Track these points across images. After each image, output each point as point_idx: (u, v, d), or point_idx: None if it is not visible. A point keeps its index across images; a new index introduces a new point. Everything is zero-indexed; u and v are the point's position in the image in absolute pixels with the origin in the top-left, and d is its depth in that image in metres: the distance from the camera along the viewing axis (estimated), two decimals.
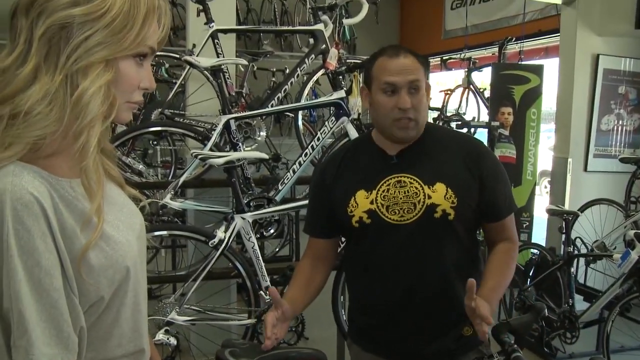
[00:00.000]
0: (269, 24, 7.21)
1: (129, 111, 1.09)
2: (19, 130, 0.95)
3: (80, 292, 1.00)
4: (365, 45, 7.88)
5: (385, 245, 1.78)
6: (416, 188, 1.75)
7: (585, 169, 5.09)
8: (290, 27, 5.35)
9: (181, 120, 3.47)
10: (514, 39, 6.03)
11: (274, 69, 6.94)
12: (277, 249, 4.96)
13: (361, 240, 1.83)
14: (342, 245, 2.86)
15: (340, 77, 3.33)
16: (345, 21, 3.60)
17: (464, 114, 6.45)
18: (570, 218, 4.13)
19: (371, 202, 1.76)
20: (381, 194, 1.76)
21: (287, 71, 6.76)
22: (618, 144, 5.24)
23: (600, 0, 4.82)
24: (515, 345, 1.62)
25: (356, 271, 1.92)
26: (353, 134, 3.21)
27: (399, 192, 1.75)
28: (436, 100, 7.00)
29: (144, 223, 1.21)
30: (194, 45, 3.51)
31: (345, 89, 3.34)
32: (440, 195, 1.74)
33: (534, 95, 5.43)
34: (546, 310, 1.77)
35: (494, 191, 1.82)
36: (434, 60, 7.42)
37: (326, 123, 3.24)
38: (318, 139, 3.22)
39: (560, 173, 5.07)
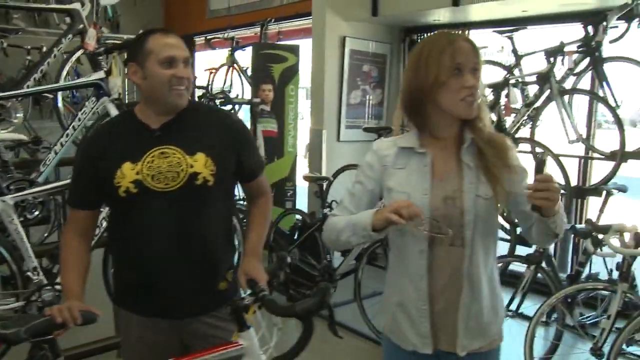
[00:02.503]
0: None
1: None
2: None
3: None
4: (129, 23, 7.74)
5: (151, 212, 1.94)
6: (178, 158, 1.94)
7: (338, 139, 5.68)
8: (44, 5, 5.08)
9: None
10: (273, 20, 6.45)
11: (29, 47, 6.50)
12: (45, 235, 4.78)
13: (128, 208, 1.96)
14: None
15: (100, 57, 3.33)
16: (102, 1, 3.60)
17: (229, 91, 6.71)
18: (325, 183, 4.64)
19: (137, 173, 1.91)
20: (146, 165, 1.92)
21: (45, 49, 6.40)
22: (365, 116, 5.93)
23: None
24: (263, 286, 1.89)
25: (122, 238, 2.04)
26: (114, 113, 3.26)
27: (163, 162, 1.93)
28: (202, 79, 7.19)
29: None
30: None
31: (105, 69, 3.37)
32: (200, 164, 1.95)
33: (291, 73, 5.91)
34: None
35: (248, 156, 2.12)
36: (200, 40, 7.56)
37: (86, 104, 3.25)
38: (79, 120, 3.24)
39: (316, 143, 5.58)
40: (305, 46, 5.96)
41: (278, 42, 6.43)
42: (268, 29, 6.52)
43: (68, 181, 3.11)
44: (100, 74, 3.26)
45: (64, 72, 3.65)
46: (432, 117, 1.79)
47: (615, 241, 3.29)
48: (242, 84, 6.78)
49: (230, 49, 6.74)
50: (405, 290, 1.85)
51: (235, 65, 6.73)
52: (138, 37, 2.01)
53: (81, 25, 3.51)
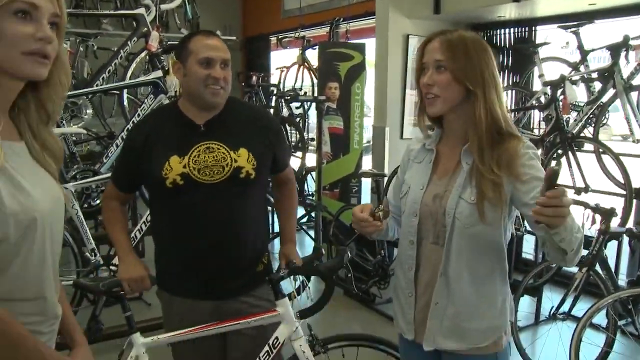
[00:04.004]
0: (108, 2, 7.18)
1: (34, 63, 1.21)
2: None
3: None
4: (208, 24, 8.06)
5: (196, 202, 2.11)
6: (223, 153, 2.10)
7: (402, 137, 5.70)
8: (111, 12, 5.47)
9: None
10: (342, 19, 6.55)
11: (115, 49, 6.95)
12: None
13: (174, 198, 2.12)
14: None
15: (159, 57, 3.56)
16: (163, 6, 3.86)
17: (300, 89, 6.88)
18: (380, 179, 4.70)
19: (184, 167, 2.07)
20: (193, 159, 2.08)
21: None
22: None
23: None
24: (295, 262, 2.22)
25: (167, 225, 2.21)
26: None
27: (208, 156, 2.09)
28: (274, 77, 7.42)
29: (63, 196, 1.39)
30: None
31: (166, 68, 3.61)
32: (244, 159, 2.12)
33: (357, 71, 5.97)
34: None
35: (280, 151, 2.31)
36: (274, 39, 7.80)
37: (145, 100, 3.50)
38: (138, 115, 3.49)
39: (379, 140, 5.62)
40: (373, 45, 6.01)
41: (345, 41, 6.52)
42: (338, 28, 6.63)
43: None
44: (158, 73, 3.50)
45: (130, 72, 3.93)
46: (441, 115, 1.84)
47: None
48: (312, 81, 6.92)
49: (301, 48, 6.91)
50: (398, 278, 1.93)
51: (305, 63, 6.88)
52: (183, 38, 2.19)
53: (145, 29, 3.77)
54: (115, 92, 4.13)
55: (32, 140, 1.34)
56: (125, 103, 4.10)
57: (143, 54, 3.87)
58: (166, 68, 3.59)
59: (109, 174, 3.41)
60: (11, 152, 1.25)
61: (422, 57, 1.77)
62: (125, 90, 4.07)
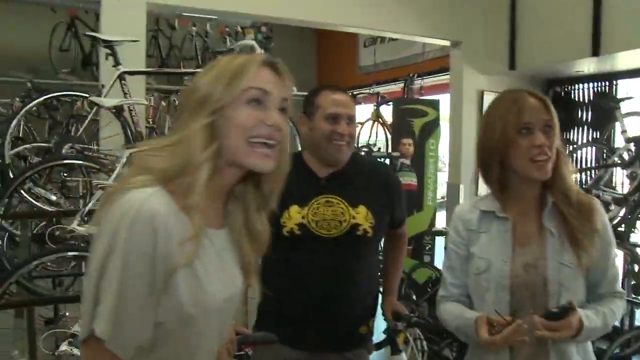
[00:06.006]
0: (191, 60, 7.51)
1: (260, 155, 1.19)
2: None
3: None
4: None
5: (311, 254, 2.13)
6: (342, 208, 2.14)
7: (477, 194, 5.55)
8: (192, 70, 5.72)
9: (90, 154, 3.75)
10: (416, 75, 6.58)
11: None
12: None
13: (288, 248, 2.14)
14: None
15: None
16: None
17: (374, 144, 6.89)
18: None
19: (303, 217, 2.12)
20: (312, 211, 2.12)
21: None
22: None
23: (483, 43, 5.36)
24: (410, 314, 2.26)
25: (278, 275, 2.15)
26: None
27: (327, 210, 2.13)
28: None
29: (241, 284, 1.34)
30: (103, 86, 3.81)
31: None
32: (362, 216, 2.14)
33: (432, 127, 5.94)
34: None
35: (399, 210, 2.33)
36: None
37: None
38: None
39: (453, 198, 5.53)
40: (447, 101, 5.99)
41: (420, 97, 6.52)
42: (412, 84, 6.65)
43: None
44: None
45: None
46: (507, 179, 1.74)
47: None
48: (387, 137, 6.92)
49: (375, 104, 6.95)
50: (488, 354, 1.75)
51: (379, 119, 6.91)
52: (310, 92, 2.24)
53: None
54: None
55: (241, 226, 1.31)
56: None
57: None
58: None
59: None
60: (208, 241, 1.22)
61: (521, 116, 1.67)
62: None
